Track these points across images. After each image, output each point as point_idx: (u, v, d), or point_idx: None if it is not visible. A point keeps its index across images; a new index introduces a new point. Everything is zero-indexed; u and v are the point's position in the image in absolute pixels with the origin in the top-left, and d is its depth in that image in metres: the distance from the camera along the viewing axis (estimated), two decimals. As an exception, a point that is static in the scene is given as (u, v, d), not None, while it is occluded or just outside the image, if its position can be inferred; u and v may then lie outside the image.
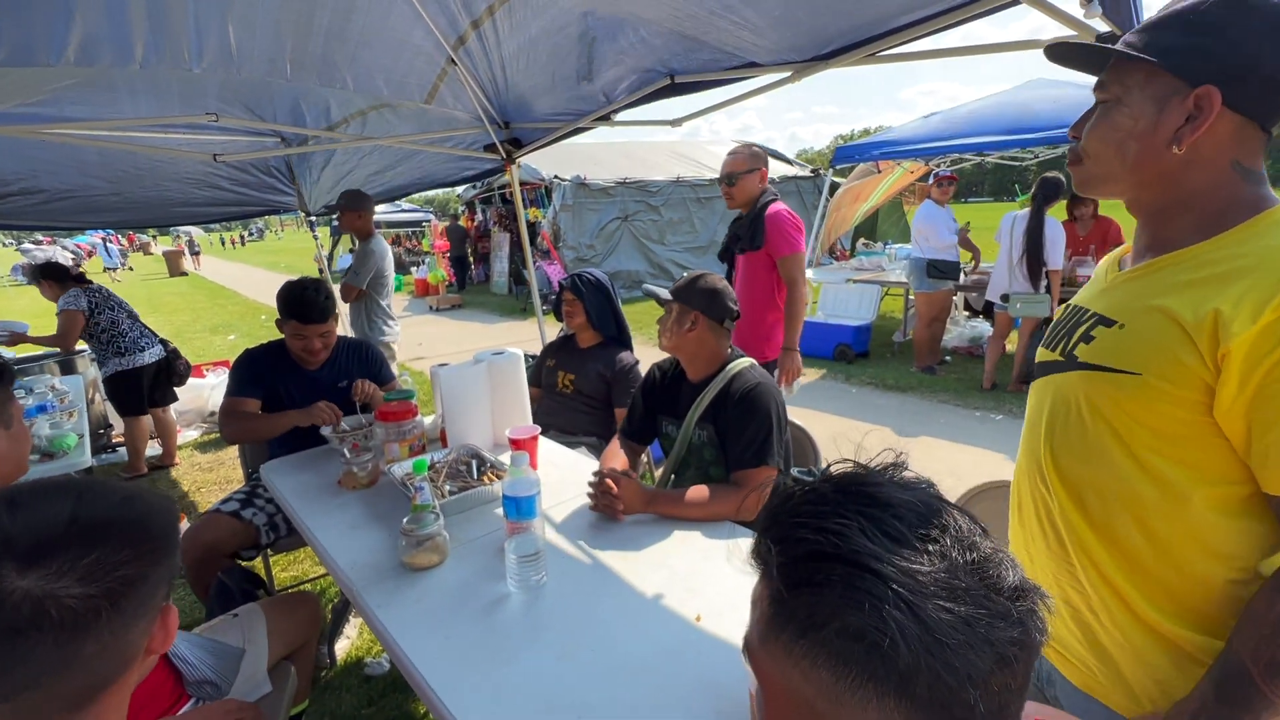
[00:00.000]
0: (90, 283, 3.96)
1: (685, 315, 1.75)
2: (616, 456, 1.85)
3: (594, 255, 10.22)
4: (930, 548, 0.45)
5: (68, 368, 4.18)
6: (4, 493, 0.62)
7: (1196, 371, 0.72)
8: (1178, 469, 0.76)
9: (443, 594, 1.31)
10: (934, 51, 1.73)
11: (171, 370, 4.11)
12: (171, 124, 3.14)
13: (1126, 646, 0.82)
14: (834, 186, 8.06)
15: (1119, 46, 0.79)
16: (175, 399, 4.19)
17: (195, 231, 27.10)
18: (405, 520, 1.40)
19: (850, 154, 6.23)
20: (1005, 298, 4.66)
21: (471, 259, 13.78)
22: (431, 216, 18.67)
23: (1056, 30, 1.48)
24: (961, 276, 5.49)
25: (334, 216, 3.95)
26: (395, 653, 1.16)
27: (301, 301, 2.14)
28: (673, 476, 1.84)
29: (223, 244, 41.75)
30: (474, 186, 13.06)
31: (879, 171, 7.43)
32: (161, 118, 2.91)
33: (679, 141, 13.59)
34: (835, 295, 6.50)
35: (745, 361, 1.77)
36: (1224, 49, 0.72)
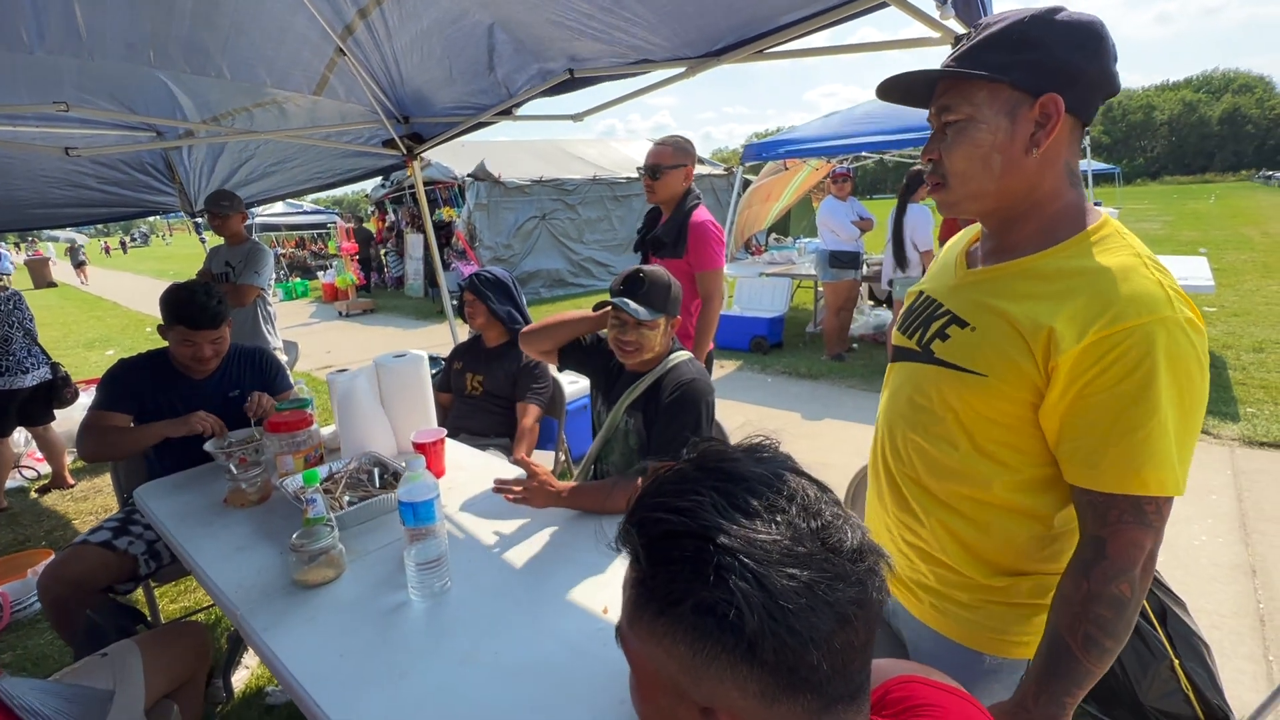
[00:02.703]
0: (6, 288, 3.56)
1: (671, 325, 1.70)
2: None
3: (512, 255, 10.04)
4: (778, 518, 0.46)
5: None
6: None
7: (1031, 376, 0.83)
8: (1007, 452, 0.89)
9: (338, 611, 1.24)
10: (821, 49, 1.81)
11: (53, 395, 3.71)
12: (17, 114, 2.81)
13: (950, 586, 0.98)
14: (746, 183, 8.30)
15: (949, 69, 0.85)
16: (53, 418, 3.78)
17: (78, 238, 23.71)
18: (295, 536, 1.31)
19: (758, 151, 6.43)
20: (891, 283, 5.03)
21: (380, 260, 13.18)
22: (337, 218, 17.70)
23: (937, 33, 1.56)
24: (865, 267, 5.79)
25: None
26: (283, 677, 1.09)
27: (191, 305, 1.96)
28: (595, 461, 1.82)
29: (100, 252, 37.74)
30: (383, 185, 12.52)
31: (786, 169, 7.72)
32: (3, 106, 2.60)
33: (595, 140, 13.56)
34: (749, 289, 6.70)
35: (683, 355, 1.76)
36: (1051, 61, 0.80)
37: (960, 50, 0.86)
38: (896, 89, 0.91)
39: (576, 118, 2.49)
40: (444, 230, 10.09)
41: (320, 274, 13.72)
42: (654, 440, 1.67)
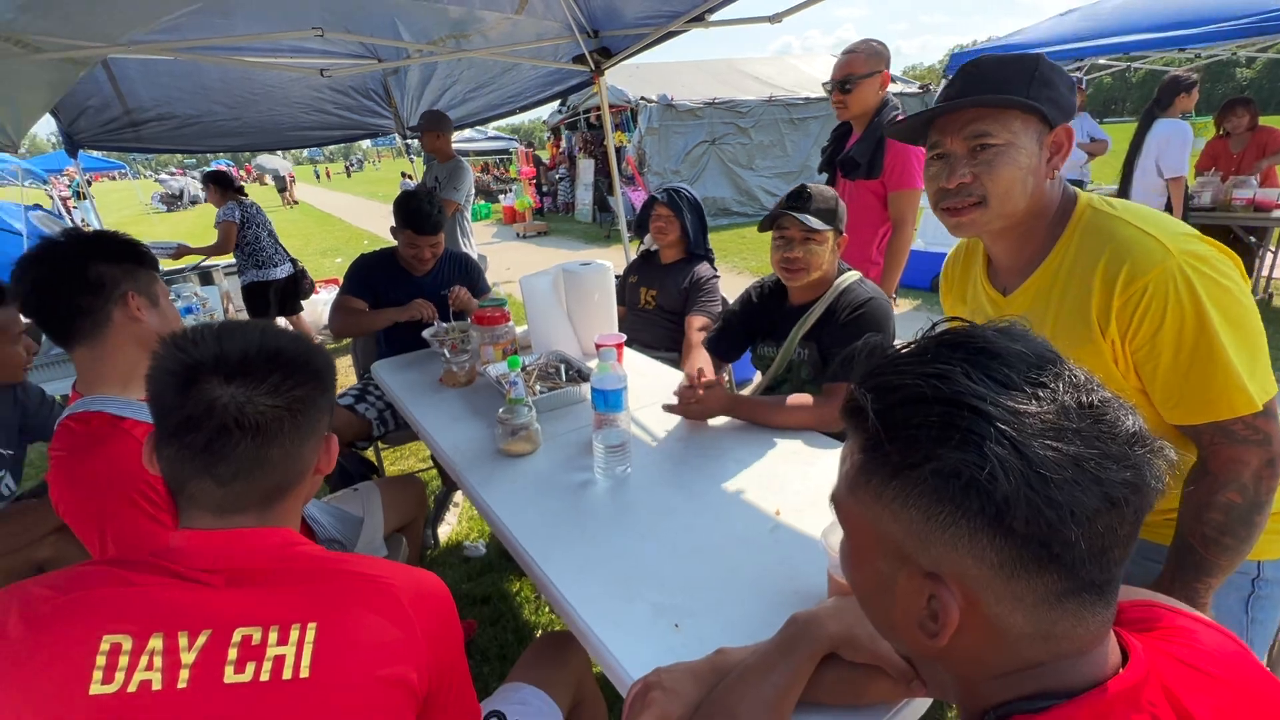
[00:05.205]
0: (246, 197, 4.46)
1: (839, 243, 1.67)
2: (704, 361, 1.86)
3: (679, 181, 9.97)
4: (1040, 392, 0.43)
5: (205, 279, 4.66)
6: (213, 325, 0.77)
7: (1099, 345, 0.95)
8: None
9: (535, 478, 1.41)
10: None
11: (298, 286, 4.65)
12: (279, 44, 3.29)
13: None
14: (945, 102, 7.31)
15: (1004, 98, 0.95)
16: (301, 309, 4.74)
17: (282, 165, 26.28)
18: (501, 410, 1.50)
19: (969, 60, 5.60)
20: None
21: (553, 185, 13.79)
22: (517, 144, 18.74)
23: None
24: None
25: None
26: (494, 522, 1.27)
27: (419, 214, 2.28)
28: (764, 392, 1.83)
29: (316, 176, 43.63)
30: (559, 111, 12.93)
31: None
32: (271, 34, 3.05)
33: (770, 58, 12.69)
34: (937, 222, 6.03)
35: (853, 275, 1.69)
36: (1060, 97, 0.95)
37: (977, 83, 0.96)
38: (912, 128, 1.06)
39: (774, 19, 2.33)
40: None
41: (501, 197, 14.74)
42: (831, 364, 1.62)
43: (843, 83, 2.24)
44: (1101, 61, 6.06)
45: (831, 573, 0.93)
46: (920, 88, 11.37)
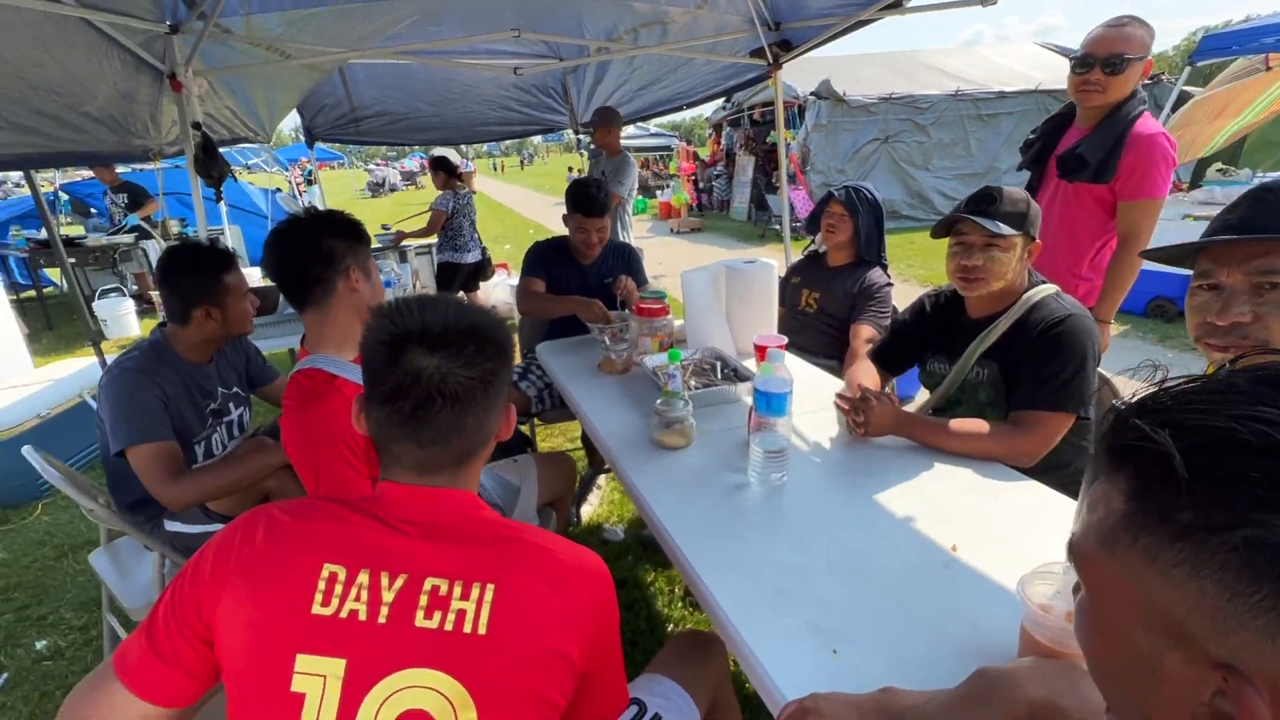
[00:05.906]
0: (462, 188, 5.10)
1: (1028, 252, 1.48)
2: (868, 373, 1.73)
3: (844, 181, 9.47)
4: None
5: (402, 257, 5.27)
6: (414, 298, 0.83)
7: None
8: None
9: (687, 472, 1.40)
10: None
11: (481, 272, 5.26)
12: (475, 47, 3.63)
13: None
14: (1183, 98, 6.18)
15: None
16: (479, 288, 5.38)
17: (454, 157, 28.13)
18: (658, 402, 1.51)
19: (1224, 44, 4.64)
20: None
21: (709, 182, 13.78)
22: (678, 140, 18.99)
23: None
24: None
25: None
26: (645, 509, 1.28)
27: (585, 197, 2.40)
28: (931, 413, 1.67)
29: (494, 169, 47.34)
30: (723, 107, 12.86)
31: (1269, 69, 5.43)
32: (472, 37, 3.35)
33: (958, 49, 11.60)
34: (1160, 235, 5.14)
35: (1048, 289, 1.48)
36: None
37: (1272, 214, 0.86)
38: (1175, 254, 0.96)
39: (986, 1, 2.10)
40: (774, 154, 10.00)
41: (659, 193, 15.05)
42: (1020, 384, 1.42)
43: (1110, 61, 1.86)
44: None
45: (1027, 626, 0.81)
46: (1151, 79, 9.76)
